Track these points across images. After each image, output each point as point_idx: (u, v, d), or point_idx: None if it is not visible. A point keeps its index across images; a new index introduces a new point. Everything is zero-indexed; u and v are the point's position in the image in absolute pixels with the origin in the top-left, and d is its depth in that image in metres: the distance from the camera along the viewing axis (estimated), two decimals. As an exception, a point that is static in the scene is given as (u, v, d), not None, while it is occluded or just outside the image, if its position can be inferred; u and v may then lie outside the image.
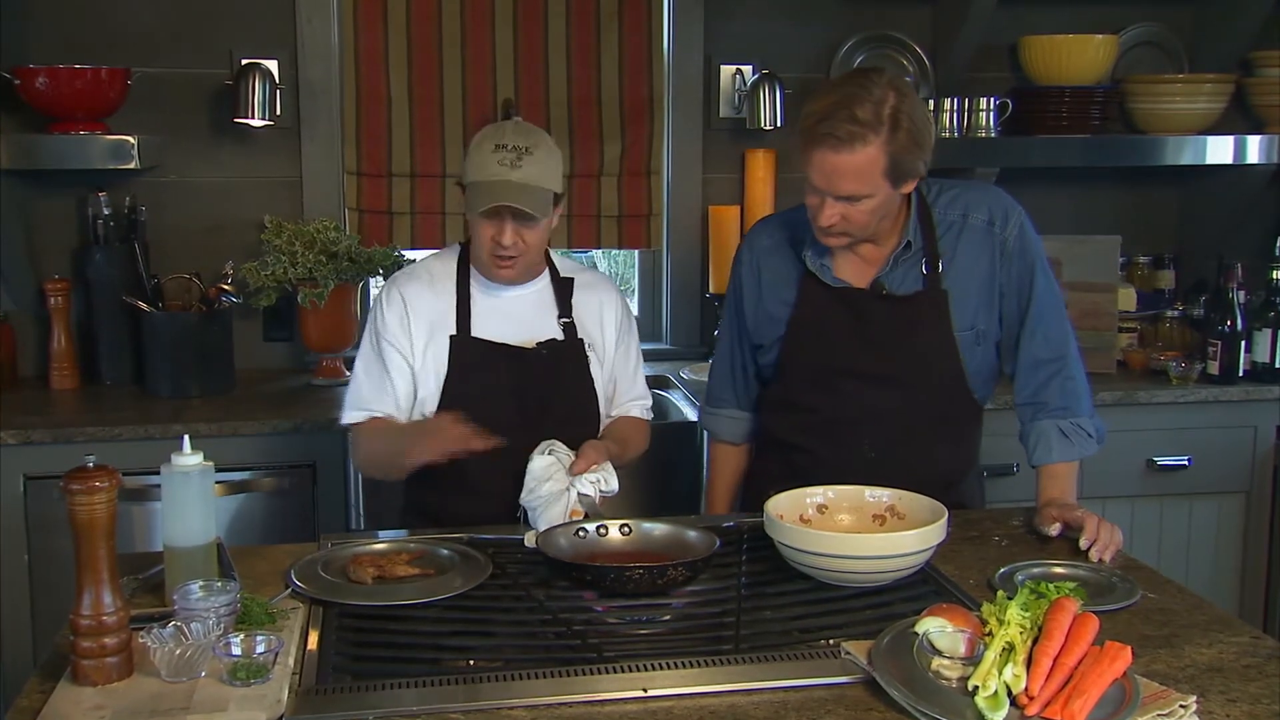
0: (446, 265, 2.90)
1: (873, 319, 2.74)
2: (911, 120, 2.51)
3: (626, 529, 2.48)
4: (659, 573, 2.24)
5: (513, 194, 2.69)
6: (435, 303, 2.84)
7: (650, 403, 3.09)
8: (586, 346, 2.90)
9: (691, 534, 2.44)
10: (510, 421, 2.75)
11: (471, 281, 2.86)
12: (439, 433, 2.63)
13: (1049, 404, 2.76)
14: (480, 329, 2.83)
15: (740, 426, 3.06)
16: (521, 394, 2.81)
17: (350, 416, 2.87)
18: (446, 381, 2.80)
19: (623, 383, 3.00)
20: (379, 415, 2.83)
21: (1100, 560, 2.47)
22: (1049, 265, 2.79)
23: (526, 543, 2.45)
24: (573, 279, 2.93)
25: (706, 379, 3.20)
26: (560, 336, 2.87)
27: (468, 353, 2.81)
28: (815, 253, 2.76)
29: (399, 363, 2.82)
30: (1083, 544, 2.51)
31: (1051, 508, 2.64)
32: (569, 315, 2.90)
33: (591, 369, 2.90)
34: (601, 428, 2.95)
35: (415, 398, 2.84)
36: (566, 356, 2.87)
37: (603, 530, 2.47)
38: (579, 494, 2.64)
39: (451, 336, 2.82)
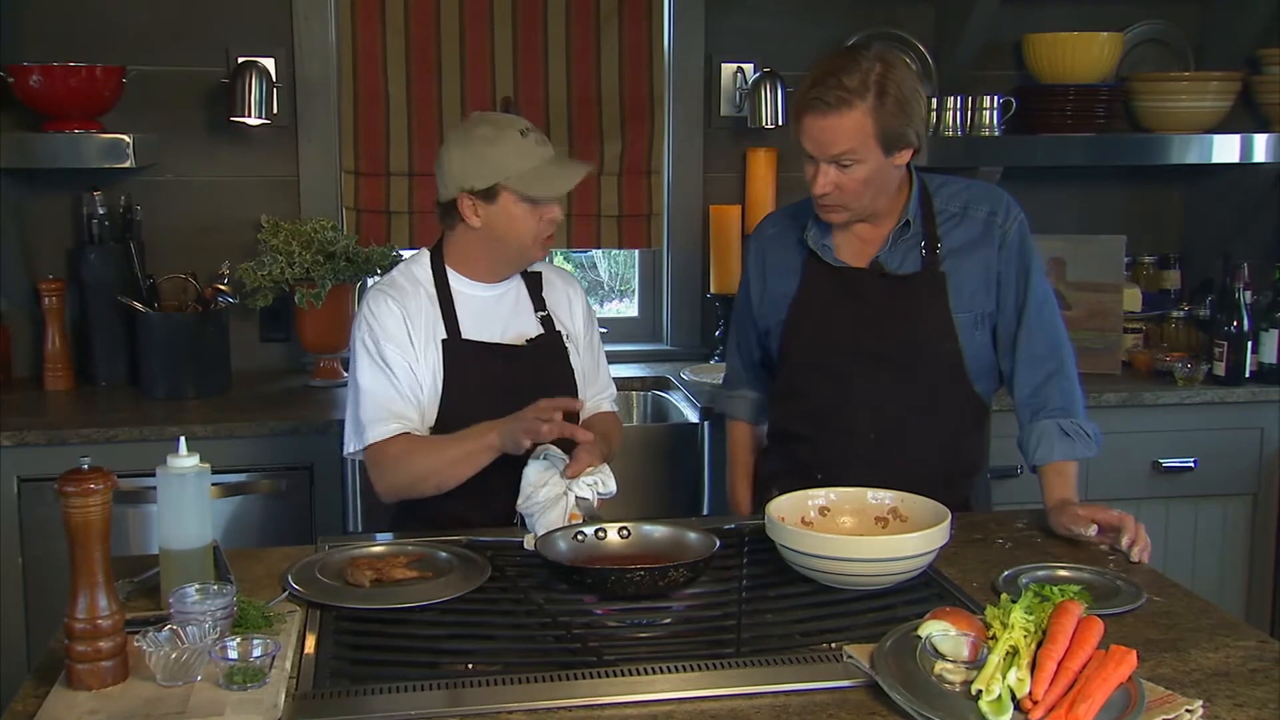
0: (422, 272, 2.86)
1: (871, 299, 2.78)
2: (899, 88, 2.59)
3: (625, 532, 2.46)
4: (660, 574, 2.22)
5: (575, 168, 2.76)
6: (423, 310, 2.80)
7: (615, 393, 3.10)
8: (565, 338, 2.91)
9: (691, 535, 2.42)
10: None
11: (452, 285, 2.84)
12: (535, 419, 2.57)
13: (1049, 404, 2.76)
14: (468, 331, 2.81)
15: (754, 407, 3.12)
16: (518, 392, 2.78)
17: (378, 433, 2.72)
18: (444, 387, 2.78)
19: (589, 374, 3.00)
20: (408, 429, 2.74)
21: (1139, 561, 2.47)
22: (1045, 270, 2.84)
23: (526, 545, 2.44)
24: (540, 273, 2.94)
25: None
26: (541, 330, 2.87)
27: (462, 356, 2.79)
28: (818, 232, 2.82)
29: (406, 369, 2.76)
30: (1125, 542, 2.50)
31: (1076, 507, 2.62)
32: (544, 308, 2.90)
33: (571, 360, 2.91)
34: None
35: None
36: (552, 350, 2.88)
37: (601, 533, 2.45)
38: (577, 497, 2.62)
39: (443, 341, 2.79)
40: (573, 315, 2.96)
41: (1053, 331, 2.78)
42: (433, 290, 2.83)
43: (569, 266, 4.99)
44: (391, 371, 2.75)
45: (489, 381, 2.79)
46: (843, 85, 2.56)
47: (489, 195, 2.71)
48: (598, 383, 3.03)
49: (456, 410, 2.77)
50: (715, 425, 3.71)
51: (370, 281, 3.94)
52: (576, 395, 2.90)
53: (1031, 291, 2.76)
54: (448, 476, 2.71)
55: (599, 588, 2.24)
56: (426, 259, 2.87)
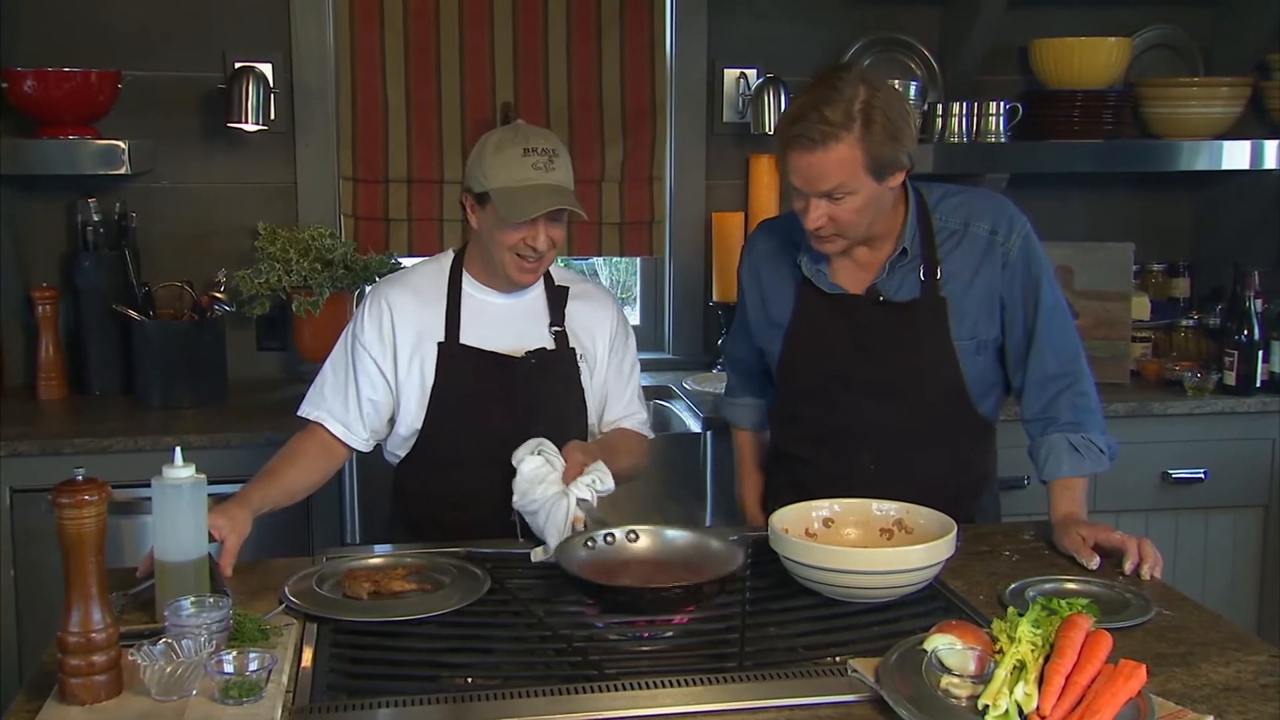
0: (437, 273, 2.86)
1: (869, 326, 2.73)
2: (885, 114, 2.50)
3: (633, 535, 2.45)
4: (693, 590, 2.21)
5: (561, 196, 2.69)
6: (423, 311, 2.80)
7: (645, 418, 3.05)
8: (578, 356, 2.87)
9: (715, 543, 2.41)
10: (498, 430, 2.73)
11: (464, 289, 2.83)
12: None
13: (1059, 419, 2.72)
14: (470, 337, 2.80)
15: (758, 414, 3.11)
16: (509, 402, 2.78)
17: (307, 411, 2.83)
18: (434, 390, 2.77)
19: (614, 397, 2.96)
20: (326, 425, 2.79)
21: (1151, 577, 2.44)
22: (1055, 278, 2.78)
23: (534, 558, 2.44)
24: (567, 288, 2.90)
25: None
26: (551, 345, 2.84)
27: (455, 361, 2.78)
28: (811, 259, 2.76)
29: (370, 370, 2.79)
30: (1129, 567, 2.46)
31: (1078, 528, 2.58)
32: (561, 324, 2.86)
33: (583, 379, 2.88)
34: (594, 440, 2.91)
35: (395, 408, 2.81)
36: (556, 365, 2.84)
37: (610, 539, 2.44)
38: (577, 499, 2.57)
39: (439, 344, 2.78)
40: (595, 335, 2.91)
41: (1066, 346, 2.73)
42: (443, 291, 2.82)
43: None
44: (352, 368, 2.80)
45: (481, 389, 2.78)
46: (826, 119, 2.47)
47: (481, 201, 2.72)
48: (624, 404, 2.98)
49: (445, 414, 2.77)
50: (718, 435, 3.69)
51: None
52: (583, 414, 2.88)
53: (1041, 308, 2.71)
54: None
55: (632, 606, 2.20)
56: (449, 258, 2.88)
